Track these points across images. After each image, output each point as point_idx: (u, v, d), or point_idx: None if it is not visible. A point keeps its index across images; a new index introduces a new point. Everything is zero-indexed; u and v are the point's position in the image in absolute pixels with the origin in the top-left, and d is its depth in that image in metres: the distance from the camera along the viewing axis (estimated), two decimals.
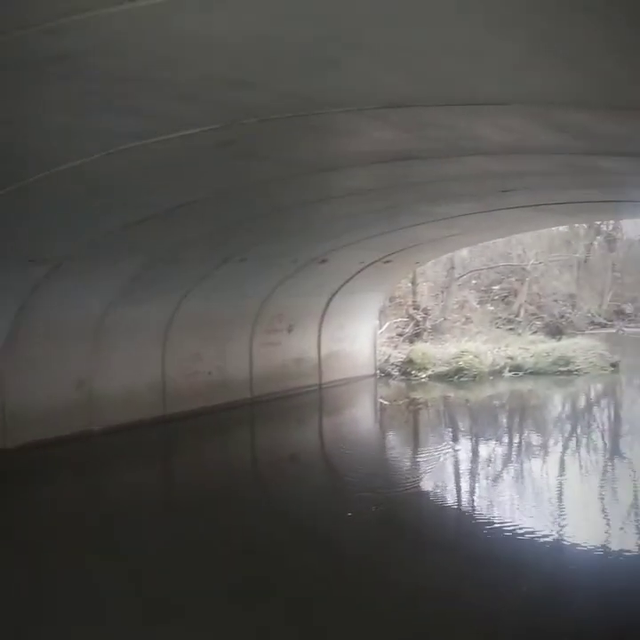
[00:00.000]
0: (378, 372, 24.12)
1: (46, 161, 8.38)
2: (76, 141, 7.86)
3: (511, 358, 24.64)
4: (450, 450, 15.05)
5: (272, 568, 8.76)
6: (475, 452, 14.95)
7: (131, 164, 8.84)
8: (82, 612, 7.47)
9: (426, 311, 30.70)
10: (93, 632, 7.02)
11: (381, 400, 21.96)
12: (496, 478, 13.13)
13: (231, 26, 5.21)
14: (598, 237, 45.55)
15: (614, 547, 9.37)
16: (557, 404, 21.93)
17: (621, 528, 10.11)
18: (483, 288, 37.42)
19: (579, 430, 17.92)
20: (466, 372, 23.43)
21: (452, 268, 33.55)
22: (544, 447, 15.72)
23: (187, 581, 8.28)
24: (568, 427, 18.44)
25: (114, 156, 8.29)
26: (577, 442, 16.53)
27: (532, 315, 35.81)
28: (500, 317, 34.04)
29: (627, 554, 9.12)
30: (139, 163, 8.84)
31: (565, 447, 15.85)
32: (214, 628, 7.17)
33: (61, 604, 7.73)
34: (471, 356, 23.99)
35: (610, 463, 14.38)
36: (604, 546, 9.39)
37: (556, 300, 38.24)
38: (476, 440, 16.35)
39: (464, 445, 15.72)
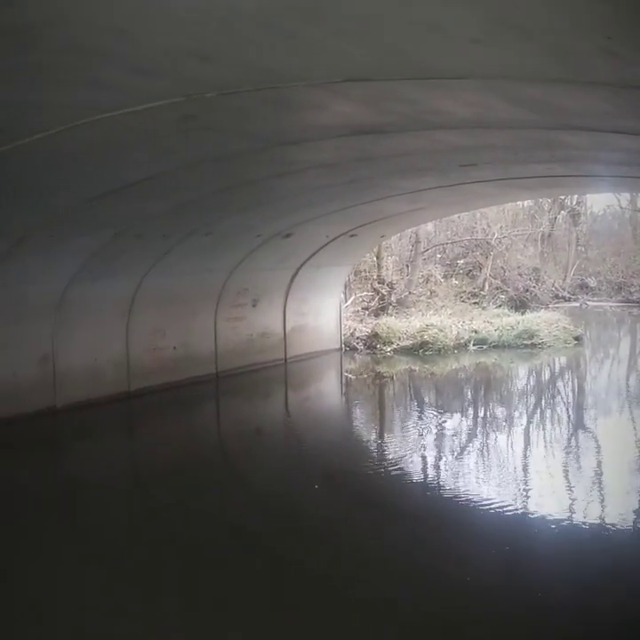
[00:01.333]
0: (343, 346, 24.14)
1: (2, 136, 8.28)
2: (34, 116, 7.75)
3: (476, 332, 24.74)
4: (415, 424, 15.15)
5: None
6: (440, 425, 15.02)
7: (93, 138, 8.74)
8: None
9: (391, 285, 30.81)
10: None
11: (347, 374, 22.03)
12: (462, 451, 13.23)
13: None
14: (562, 212, 45.83)
15: (578, 516, 9.61)
16: (522, 377, 22.11)
17: (585, 498, 10.32)
18: (447, 262, 37.57)
19: (543, 403, 18.09)
20: (431, 345, 23.54)
21: (417, 241, 33.69)
22: (509, 420, 15.89)
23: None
24: (532, 400, 18.60)
25: (75, 131, 8.21)
26: (541, 415, 16.69)
27: (497, 288, 36.00)
28: (464, 291, 34.22)
29: (589, 523, 9.33)
30: (101, 137, 8.74)
31: (530, 420, 16.02)
32: None
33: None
34: (436, 330, 24.10)
35: (574, 436, 14.58)
36: (569, 515, 9.62)
37: (520, 274, 38.44)
38: (441, 413, 16.44)
39: (429, 419, 15.79)
